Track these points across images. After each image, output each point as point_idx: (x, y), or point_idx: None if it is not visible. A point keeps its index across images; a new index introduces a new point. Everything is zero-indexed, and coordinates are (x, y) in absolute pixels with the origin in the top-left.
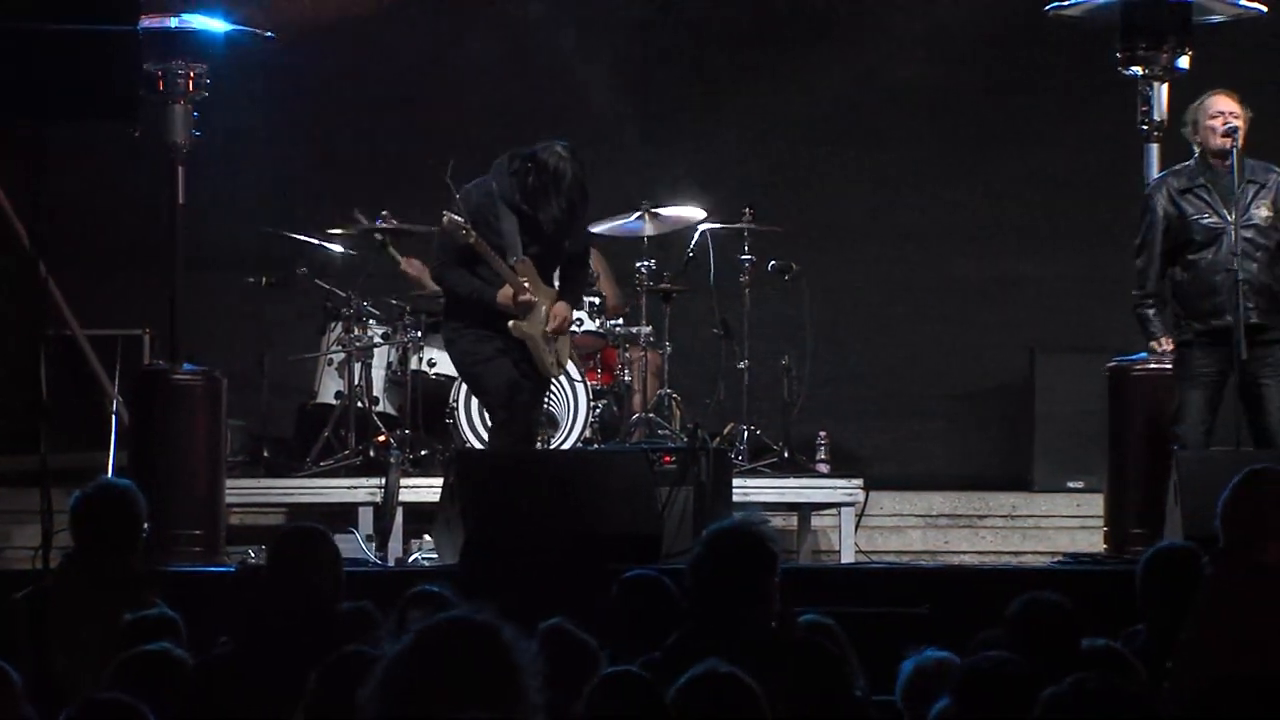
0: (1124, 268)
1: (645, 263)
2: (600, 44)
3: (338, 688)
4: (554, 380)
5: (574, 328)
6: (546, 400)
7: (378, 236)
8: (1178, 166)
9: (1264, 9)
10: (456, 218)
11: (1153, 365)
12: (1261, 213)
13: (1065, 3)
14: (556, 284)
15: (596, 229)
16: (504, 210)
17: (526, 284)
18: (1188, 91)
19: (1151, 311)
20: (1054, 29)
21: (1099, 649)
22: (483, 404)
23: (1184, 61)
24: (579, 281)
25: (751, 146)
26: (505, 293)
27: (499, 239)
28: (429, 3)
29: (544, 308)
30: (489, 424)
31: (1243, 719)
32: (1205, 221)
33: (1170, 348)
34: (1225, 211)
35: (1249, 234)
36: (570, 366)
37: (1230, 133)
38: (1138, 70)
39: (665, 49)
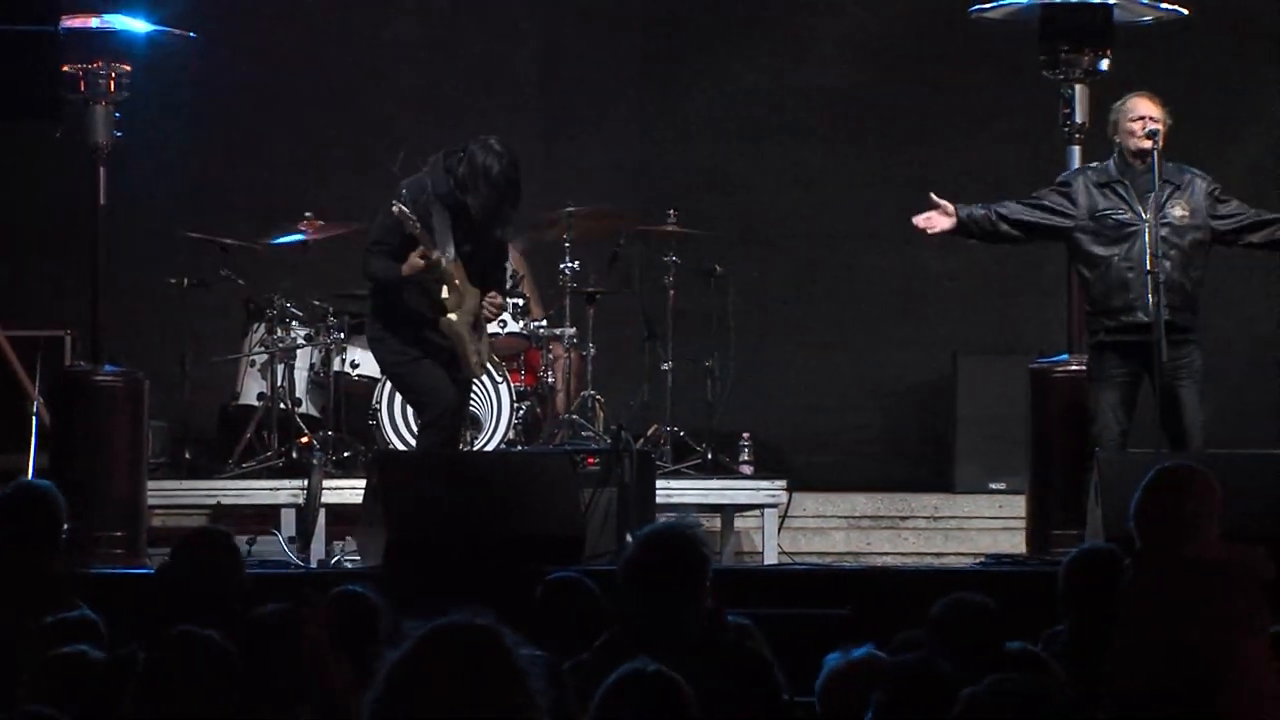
0: (1046, 269)
1: (569, 264)
2: (520, 47)
3: (168, 668)
4: (477, 381)
5: (497, 328)
6: (470, 401)
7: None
8: (1096, 163)
9: (1184, 11)
10: (405, 209)
11: (1074, 367)
12: (1177, 212)
13: (987, 5)
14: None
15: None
16: (438, 208)
17: (457, 281)
18: (1109, 93)
19: (979, 207)
20: (976, 31)
21: (1016, 651)
22: (411, 403)
23: (1105, 64)
24: (499, 282)
25: (675, 148)
26: (413, 260)
27: (431, 236)
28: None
29: (473, 305)
30: (415, 424)
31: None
32: (1120, 217)
33: (942, 208)
34: (1141, 209)
35: (1164, 232)
36: (492, 368)
37: (1151, 135)
38: (1059, 73)
39: (590, 48)
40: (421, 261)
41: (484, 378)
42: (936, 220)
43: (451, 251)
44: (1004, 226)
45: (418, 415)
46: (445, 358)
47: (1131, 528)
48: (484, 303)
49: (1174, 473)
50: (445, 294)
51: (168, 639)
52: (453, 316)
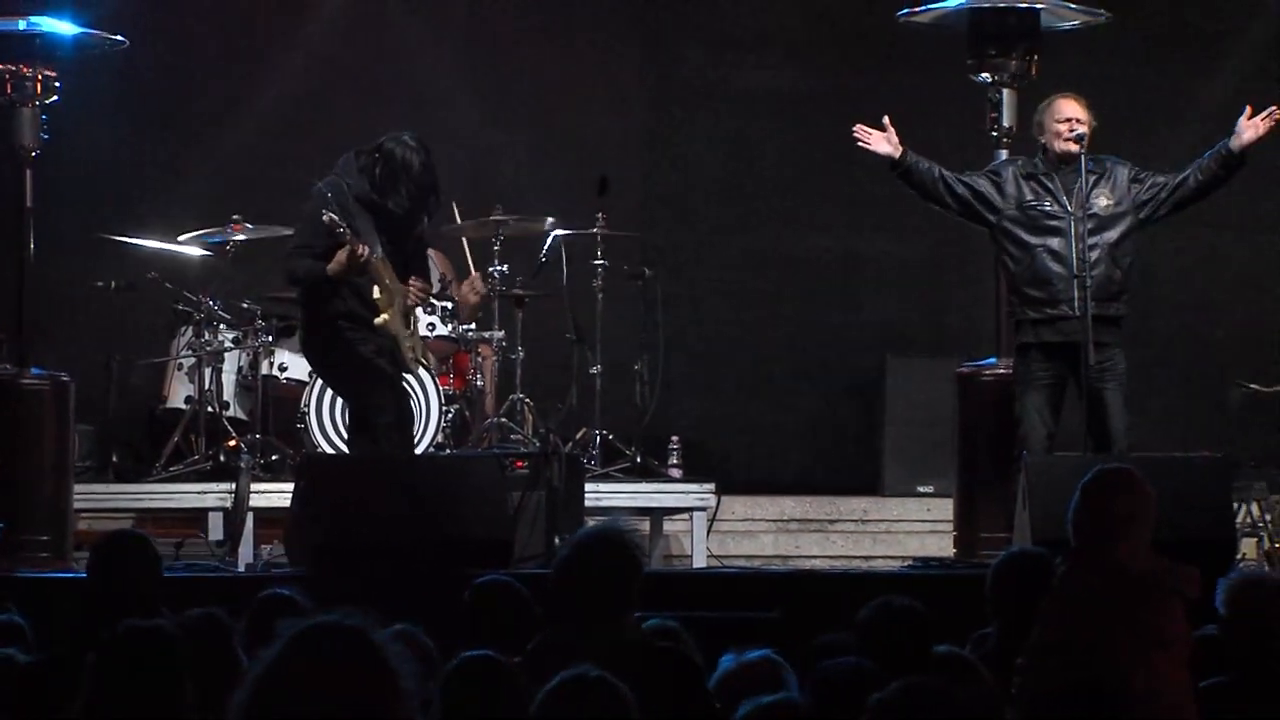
0: (974, 273)
1: (498, 267)
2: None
3: (118, 665)
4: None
5: (425, 332)
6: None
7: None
8: (1023, 158)
9: (1110, 15)
10: (335, 216)
11: (1002, 370)
12: (1102, 201)
13: (915, 9)
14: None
15: (449, 229)
16: (357, 208)
17: (387, 280)
18: (1036, 97)
19: (925, 161)
20: (905, 34)
21: (944, 654)
22: (358, 408)
23: (1032, 68)
24: (421, 271)
25: (604, 151)
26: (339, 257)
27: (359, 238)
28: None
29: (402, 303)
30: (344, 427)
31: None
32: (1046, 207)
33: (887, 134)
34: (1067, 202)
35: (1091, 225)
36: (425, 364)
37: (1078, 139)
38: (987, 76)
39: (521, 47)
40: (345, 258)
41: (413, 380)
42: (876, 140)
43: (379, 250)
44: (941, 189)
45: (372, 417)
46: (387, 360)
47: (1068, 527)
48: (409, 289)
49: (1112, 475)
50: (377, 294)
51: (116, 635)
52: (387, 315)
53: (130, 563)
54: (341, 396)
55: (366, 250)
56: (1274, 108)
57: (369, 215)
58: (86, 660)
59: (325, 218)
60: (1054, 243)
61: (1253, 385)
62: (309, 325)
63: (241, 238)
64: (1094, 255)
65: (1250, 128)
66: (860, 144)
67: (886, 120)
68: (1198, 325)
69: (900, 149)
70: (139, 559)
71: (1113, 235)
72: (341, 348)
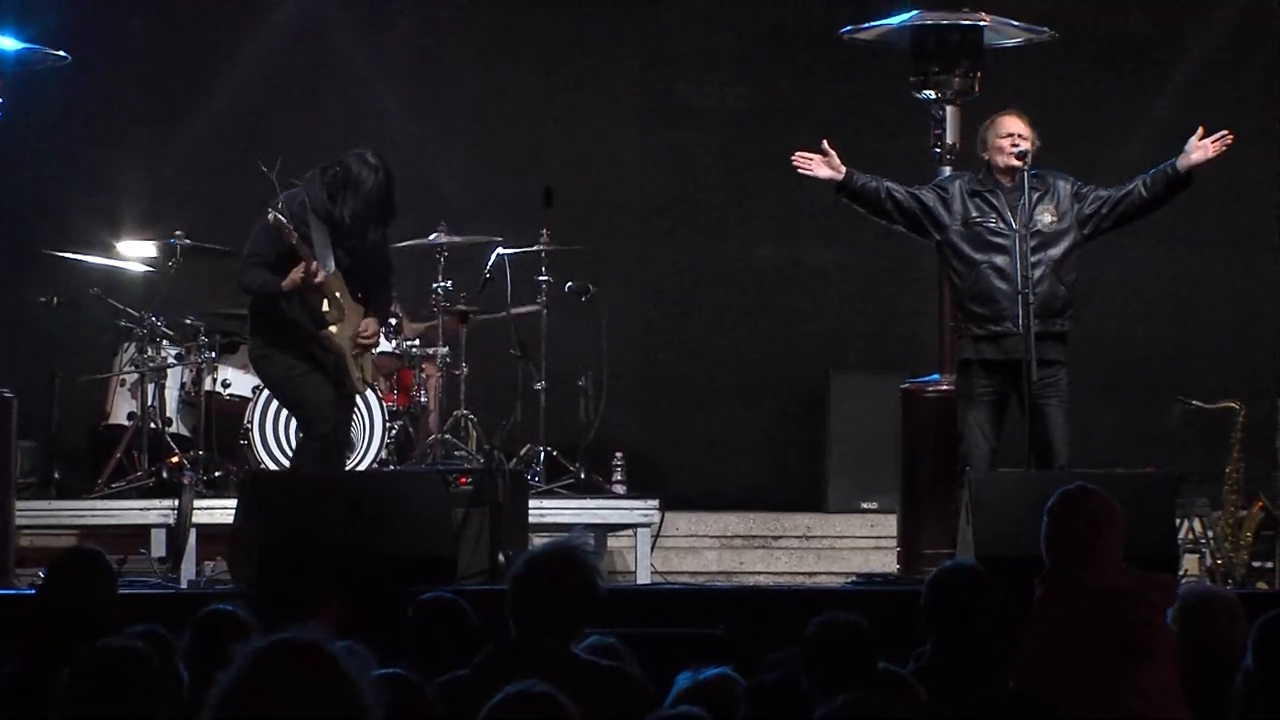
0: (918, 289)
1: (442, 284)
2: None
3: (94, 684)
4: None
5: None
6: (352, 418)
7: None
8: (969, 174)
9: (1053, 32)
10: (282, 216)
11: (945, 386)
12: (1046, 218)
13: (859, 26)
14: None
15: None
16: (316, 222)
17: (338, 295)
18: (980, 114)
19: (870, 178)
20: (849, 51)
21: (881, 672)
22: (298, 419)
23: (976, 85)
24: (384, 300)
25: (547, 166)
26: (294, 275)
27: (310, 250)
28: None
29: (354, 320)
30: (289, 442)
31: None
32: (991, 225)
33: (829, 159)
34: (1012, 219)
35: (1035, 243)
36: (372, 386)
37: (1021, 156)
38: (930, 94)
39: (462, 62)
40: (301, 276)
41: (361, 395)
42: (817, 165)
43: (331, 264)
44: (889, 205)
45: (303, 430)
46: (330, 372)
47: (1042, 550)
48: (359, 329)
49: (1076, 495)
50: (326, 307)
51: (91, 654)
52: (334, 329)
53: (88, 579)
54: (283, 405)
55: (318, 268)
56: (1225, 133)
57: (325, 227)
58: (61, 679)
59: (271, 217)
60: (999, 260)
61: (1195, 401)
62: (252, 337)
63: (185, 253)
64: (1038, 272)
65: (1199, 149)
66: (801, 171)
67: (826, 144)
68: (1140, 341)
69: (843, 170)
70: (96, 576)
71: (1056, 252)
72: (282, 359)
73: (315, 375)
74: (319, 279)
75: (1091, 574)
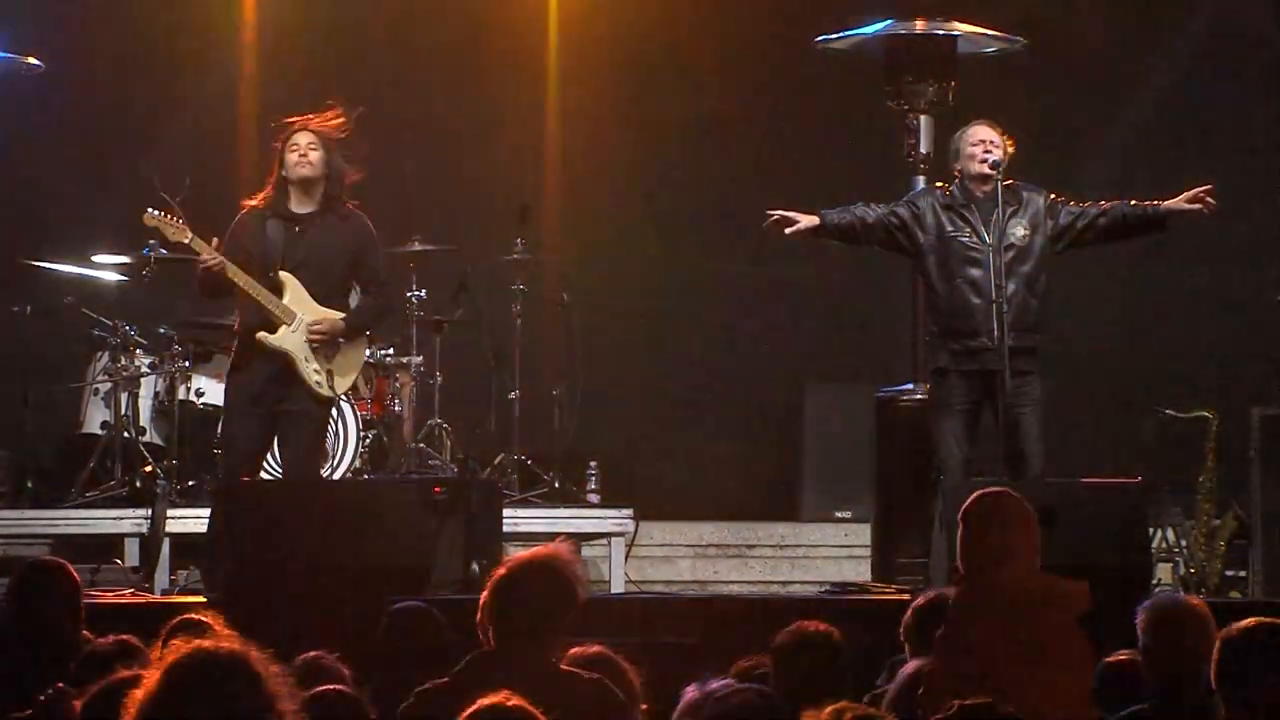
0: (892, 300)
1: (416, 292)
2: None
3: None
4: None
5: None
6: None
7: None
8: (942, 185)
9: (1027, 42)
10: (155, 212)
11: (919, 396)
12: (1019, 232)
13: (833, 35)
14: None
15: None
16: (274, 221)
17: (289, 296)
18: (954, 124)
19: (838, 213)
20: (823, 61)
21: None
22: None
23: (949, 95)
24: (365, 307)
25: (522, 177)
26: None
27: (261, 249)
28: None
29: (305, 322)
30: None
31: None
32: (965, 240)
33: (794, 215)
34: (985, 233)
35: (1009, 256)
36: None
37: (994, 165)
38: (904, 103)
39: (436, 74)
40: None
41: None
42: (795, 222)
43: (279, 260)
44: (863, 233)
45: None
46: (259, 385)
47: (957, 554)
48: (307, 329)
49: (989, 498)
50: (275, 310)
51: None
52: (281, 331)
53: (50, 591)
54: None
55: (210, 256)
56: (1208, 197)
57: (281, 224)
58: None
59: (144, 217)
60: (973, 274)
61: (1169, 411)
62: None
63: (158, 263)
64: (1011, 286)
65: (1187, 201)
66: (787, 234)
67: (782, 212)
68: (1115, 351)
69: (816, 217)
70: (59, 587)
71: (1029, 266)
72: (232, 389)
73: (229, 394)
74: (221, 272)
75: (1004, 578)
